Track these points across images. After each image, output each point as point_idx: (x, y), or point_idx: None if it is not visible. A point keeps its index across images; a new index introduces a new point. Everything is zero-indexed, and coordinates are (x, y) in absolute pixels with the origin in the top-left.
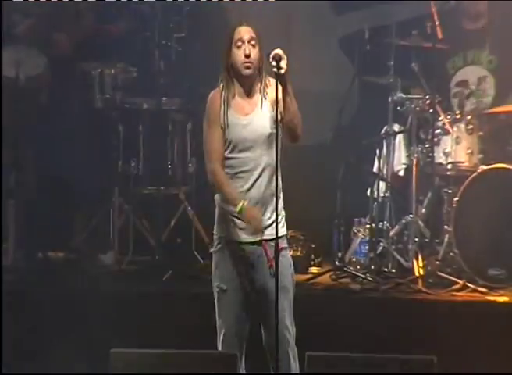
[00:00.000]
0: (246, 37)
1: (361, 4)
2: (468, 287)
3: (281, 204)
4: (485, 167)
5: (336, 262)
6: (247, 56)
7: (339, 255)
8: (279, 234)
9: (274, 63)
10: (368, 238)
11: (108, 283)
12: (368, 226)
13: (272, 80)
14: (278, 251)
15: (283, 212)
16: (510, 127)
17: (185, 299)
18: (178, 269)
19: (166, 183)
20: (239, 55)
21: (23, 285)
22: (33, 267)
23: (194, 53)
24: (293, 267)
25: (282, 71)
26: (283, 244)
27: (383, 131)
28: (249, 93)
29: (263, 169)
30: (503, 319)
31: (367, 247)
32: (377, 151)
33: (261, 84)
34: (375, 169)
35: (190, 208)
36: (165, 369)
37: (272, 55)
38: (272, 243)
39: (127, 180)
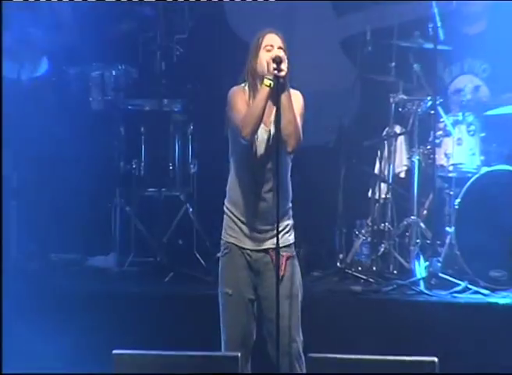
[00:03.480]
0: (275, 44)
1: (363, 5)
2: (470, 288)
3: (289, 213)
4: (486, 168)
5: (338, 264)
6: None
7: (341, 256)
8: (288, 243)
9: (274, 65)
10: (369, 240)
11: (109, 284)
12: (369, 227)
13: (294, 92)
14: (277, 259)
15: (291, 221)
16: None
17: (186, 300)
18: (179, 271)
19: (168, 185)
20: (268, 57)
21: (24, 286)
22: (34, 268)
23: (196, 54)
24: (299, 274)
25: (283, 73)
26: (291, 252)
27: (385, 133)
28: (273, 102)
29: (276, 181)
30: (505, 320)
31: (368, 248)
32: (378, 153)
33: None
34: (376, 171)
35: (191, 209)
36: (167, 371)
37: (272, 57)
38: (280, 251)
39: (129, 181)
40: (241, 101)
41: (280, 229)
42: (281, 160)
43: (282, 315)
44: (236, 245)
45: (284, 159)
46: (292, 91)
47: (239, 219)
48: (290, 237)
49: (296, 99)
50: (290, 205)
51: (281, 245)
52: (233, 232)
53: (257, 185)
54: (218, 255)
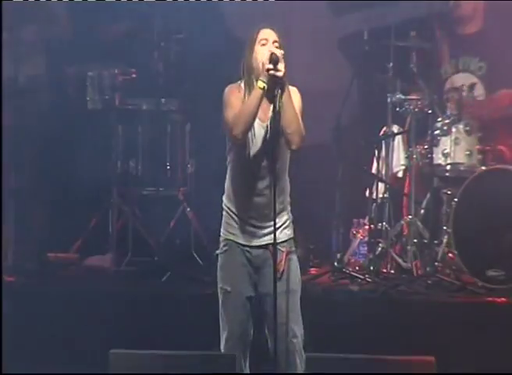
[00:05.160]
0: (270, 38)
1: (360, 5)
2: (467, 288)
3: (288, 208)
4: (484, 168)
5: (335, 263)
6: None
7: (338, 256)
8: (287, 238)
9: (270, 66)
10: (366, 239)
11: (106, 284)
12: (366, 227)
13: (291, 89)
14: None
15: (290, 216)
16: (508, 128)
17: (184, 300)
18: (177, 271)
19: (165, 184)
20: (264, 52)
21: (23, 285)
22: (32, 268)
23: (193, 54)
24: (299, 270)
25: (280, 74)
26: (290, 247)
27: (382, 132)
28: (268, 99)
29: (272, 177)
30: (502, 320)
31: (366, 248)
32: (376, 152)
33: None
34: (373, 170)
35: (188, 209)
36: (164, 370)
37: (268, 58)
38: (279, 246)
39: (126, 180)
40: (235, 99)
41: (279, 224)
42: (280, 156)
43: (281, 311)
44: (235, 242)
45: (283, 155)
46: (289, 87)
47: (236, 216)
48: (289, 232)
49: (294, 95)
50: (289, 199)
51: (280, 240)
52: (232, 228)
53: (254, 181)
54: (217, 252)
